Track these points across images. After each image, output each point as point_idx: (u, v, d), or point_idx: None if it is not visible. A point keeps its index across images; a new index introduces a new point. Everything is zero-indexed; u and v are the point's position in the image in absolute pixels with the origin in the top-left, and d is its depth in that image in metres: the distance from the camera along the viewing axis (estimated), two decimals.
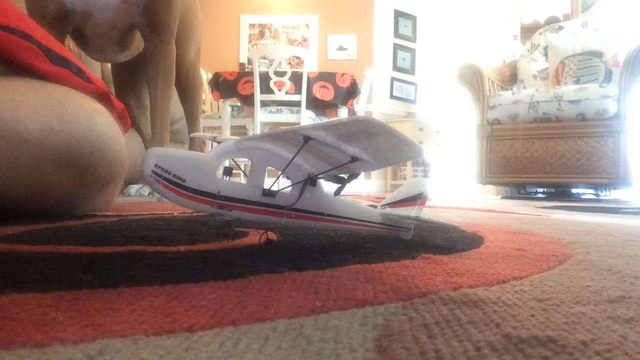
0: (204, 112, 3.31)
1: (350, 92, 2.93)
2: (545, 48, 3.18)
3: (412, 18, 5.08)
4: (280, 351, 0.24)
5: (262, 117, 2.83)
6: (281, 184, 0.54)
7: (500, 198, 3.14)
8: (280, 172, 0.52)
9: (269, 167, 0.53)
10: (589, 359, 0.23)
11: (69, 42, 1.74)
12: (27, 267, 0.42)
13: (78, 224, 0.80)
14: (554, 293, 0.37)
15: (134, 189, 1.81)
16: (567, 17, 4.34)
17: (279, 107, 2.88)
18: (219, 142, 0.52)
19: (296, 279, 0.40)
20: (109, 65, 2.14)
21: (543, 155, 2.77)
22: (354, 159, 0.48)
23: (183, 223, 0.81)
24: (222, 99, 2.97)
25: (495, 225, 0.95)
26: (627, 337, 0.26)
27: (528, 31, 4.43)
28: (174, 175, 0.47)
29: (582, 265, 0.50)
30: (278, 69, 2.83)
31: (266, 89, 2.80)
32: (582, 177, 2.67)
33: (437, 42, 5.04)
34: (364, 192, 3.53)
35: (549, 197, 3.10)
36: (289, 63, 3.20)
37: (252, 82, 2.80)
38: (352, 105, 3.00)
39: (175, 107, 2.03)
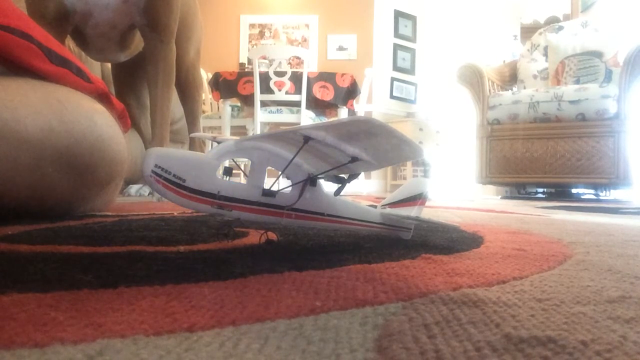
0: (204, 112, 3.31)
1: (350, 92, 2.93)
2: (545, 48, 3.18)
3: (412, 18, 5.08)
4: (280, 351, 0.24)
5: (262, 117, 2.83)
6: (281, 184, 0.54)
7: (500, 198, 3.14)
8: (280, 172, 0.52)
9: (269, 167, 0.53)
10: (589, 359, 0.23)
11: (69, 42, 1.74)
12: (27, 267, 0.42)
13: (78, 224, 0.80)
14: (554, 293, 0.37)
15: (134, 189, 1.81)
16: (567, 17, 4.34)
17: (279, 107, 2.88)
18: (219, 142, 0.52)
19: (296, 279, 0.40)
20: (109, 65, 2.14)
21: (543, 155, 2.77)
22: (354, 159, 0.48)
23: (183, 223, 0.81)
24: (222, 99, 2.97)
25: (495, 225, 0.95)
26: (627, 337, 0.26)
27: (528, 31, 4.43)
28: (174, 175, 0.47)
29: (582, 265, 0.50)
30: (278, 69, 2.83)
31: (266, 89, 2.80)
32: (582, 177, 2.67)
33: (437, 42, 5.04)
34: (364, 192, 3.53)
35: (549, 197, 3.10)
36: (289, 63, 3.20)
37: (252, 82, 2.80)
38: (352, 105, 3.00)
39: (175, 107, 2.03)
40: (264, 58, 3.02)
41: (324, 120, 3.10)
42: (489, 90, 3.02)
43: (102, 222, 0.82)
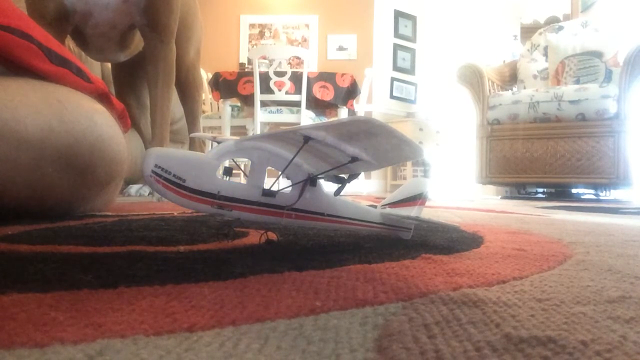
0: (204, 112, 3.31)
1: (350, 92, 2.93)
2: (545, 48, 3.18)
3: (412, 18, 5.08)
4: (280, 351, 0.24)
5: (262, 117, 2.83)
6: (281, 184, 0.54)
7: (500, 198, 3.14)
8: (280, 172, 0.52)
9: (269, 167, 0.53)
10: (589, 359, 0.23)
11: (69, 42, 1.74)
12: (27, 267, 0.42)
13: (78, 224, 0.80)
14: (554, 293, 0.37)
15: (134, 189, 1.82)
16: (567, 17, 4.34)
17: (279, 107, 2.88)
18: (219, 142, 0.52)
19: (296, 279, 0.40)
20: (109, 65, 2.14)
21: (543, 155, 2.77)
22: (354, 159, 0.48)
23: (183, 223, 0.81)
24: (222, 99, 2.97)
25: (495, 225, 0.95)
26: (627, 337, 0.26)
27: (528, 31, 4.43)
28: (174, 175, 0.47)
29: (582, 265, 0.50)
30: (278, 69, 2.83)
31: (266, 89, 2.80)
32: (582, 177, 2.67)
33: (437, 42, 5.04)
34: (364, 192, 3.53)
35: (549, 197, 3.10)
36: (289, 63, 3.20)
37: (252, 82, 2.80)
38: (352, 105, 3.00)
39: (175, 107, 2.03)
40: (264, 58, 3.02)
41: (324, 120, 3.10)
42: (489, 90, 3.02)
43: (102, 222, 0.82)
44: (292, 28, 4.91)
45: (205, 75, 3.49)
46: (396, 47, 4.96)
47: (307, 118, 2.84)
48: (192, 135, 0.91)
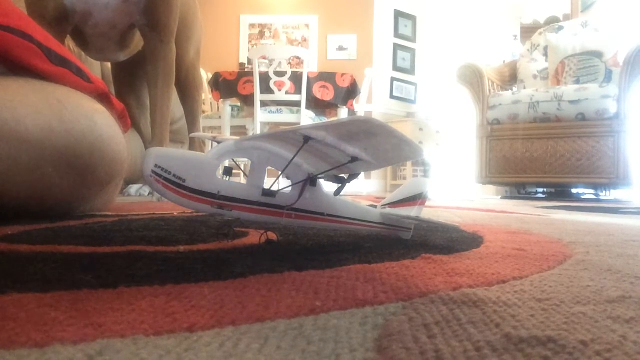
0: (204, 112, 3.31)
1: (350, 92, 2.93)
2: (545, 48, 3.18)
3: (412, 18, 5.08)
4: (280, 351, 0.24)
5: (262, 117, 2.83)
6: (281, 184, 0.54)
7: (500, 198, 3.14)
8: (280, 172, 0.52)
9: (269, 167, 0.53)
10: (589, 359, 0.23)
11: (69, 42, 1.74)
12: (27, 267, 0.42)
13: (78, 224, 0.80)
14: (554, 293, 0.37)
15: (134, 189, 1.82)
16: (567, 17, 4.34)
17: (279, 107, 2.88)
18: (219, 142, 0.52)
19: (296, 279, 0.40)
20: (109, 65, 2.14)
21: (543, 155, 2.77)
22: (354, 159, 0.48)
23: (183, 223, 0.81)
24: (222, 99, 2.97)
25: (495, 225, 0.95)
26: (627, 337, 0.26)
27: (528, 31, 4.43)
28: (174, 175, 0.47)
29: (582, 265, 0.50)
30: (278, 69, 2.83)
31: (266, 89, 2.80)
32: (582, 177, 2.67)
33: (437, 42, 5.04)
34: (364, 192, 3.53)
35: (549, 197, 3.10)
36: (289, 63, 3.20)
37: (252, 82, 2.80)
38: (352, 105, 3.00)
39: (175, 107, 2.03)
40: (264, 58, 3.02)
41: (324, 120, 3.10)
42: (489, 90, 3.02)
43: (102, 222, 0.82)
44: (292, 28, 4.91)
45: (205, 75, 3.49)
46: (396, 47, 4.96)
47: (307, 118, 2.84)
48: (192, 135, 0.91)
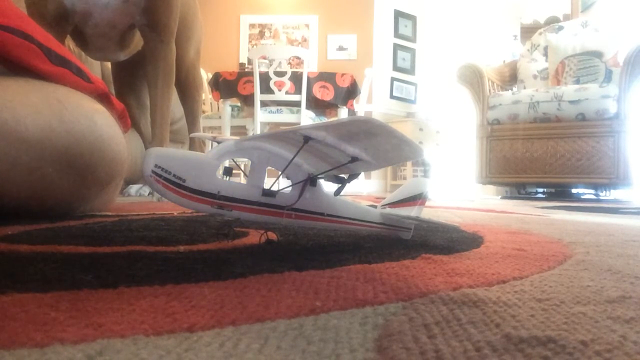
0: (204, 112, 3.31)
1: (350, 92, 2.93)
2: (545, 48, 3.18)
3: (412, 18, 5.08)
4: (280, 351, 0.24)
5: (262, 117, 2.83)
6: (281, 184, 0.54)
7: (500, 198, 3.14)
8: (280, 172, 0.52)
9: (269, 167, 0.53)
10: (589, 359, 0.23)
11: (69, 42, 1.74)
12: (27, 267, 0.42)
13: (78, 224, 0.80)
14: (554, 293, 0.37)
15: (134, 189, 1.81)
16: (567, 17, 4.34)
17: (279, 107, 2.88)
18: (219, 142, 0.52)
19: (296, 279, 0.40)
20: (109, 65, 2.14)
21: (543, 155, 2.77)
22: (354, 159, 0.48)
23: (183, 223, 0.81)
24: (222, 99, 2.97)
25: (495, 225, 0.95)
26: (627, 337, 0.26)
27: (528, 31, 4.43)
28: (174, 175, 0.47)
29: (582, 265, 0.50)
30: (278, 69, 2.83)
31: (266, 89, 2.80)
32: (582, 177, 2.67)
33: (437, 42, 5.04)
34: (364, 192, 3.53)
35: (549, 197, 3.10)
36: (289, 63, 3.20)
37: (252, 82, 2.80)
38: (352, 105, 3.00)
39: (175, 107, 2.03)
40: (264, 58, 3.02)
41: (324, 120, 3.10)
42: (489, 90, 3.02)
43: (102, 222, 0.82)
44: (292, 28, 4.91)
45: (205, 75, 3.49)
46: (396, 47, 4.96)
47: (307, 118, 2.84)
48: (192, 135, 0.91)
